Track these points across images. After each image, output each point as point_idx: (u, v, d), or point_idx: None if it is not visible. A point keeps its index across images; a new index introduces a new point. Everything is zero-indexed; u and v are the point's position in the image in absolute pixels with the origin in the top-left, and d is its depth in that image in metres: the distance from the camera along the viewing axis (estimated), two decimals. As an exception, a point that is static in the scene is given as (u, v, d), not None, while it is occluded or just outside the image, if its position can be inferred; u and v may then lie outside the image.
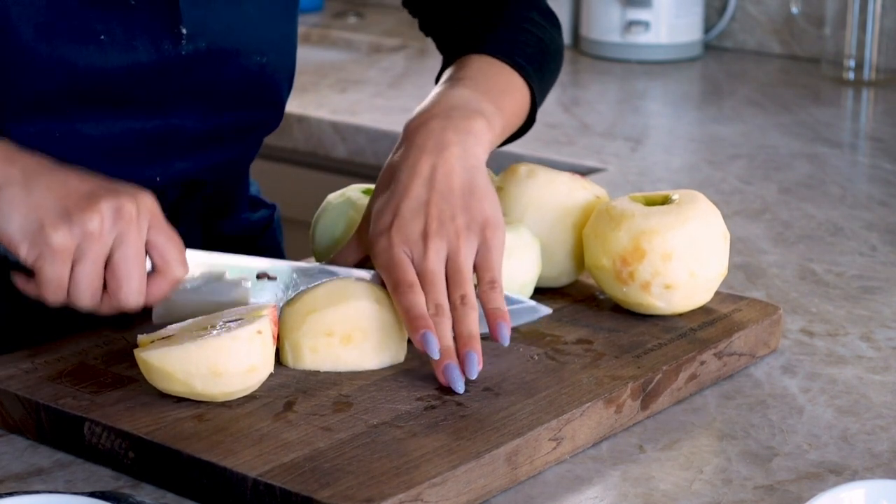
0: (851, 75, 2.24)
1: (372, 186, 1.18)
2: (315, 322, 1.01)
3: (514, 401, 0.97)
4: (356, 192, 1.17)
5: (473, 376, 0.99)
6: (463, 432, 0.92)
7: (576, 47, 2.55)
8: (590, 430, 0.97)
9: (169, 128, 1.15)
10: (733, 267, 1.34)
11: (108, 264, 0.96)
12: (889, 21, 2.23)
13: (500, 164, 1.71)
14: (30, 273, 0.96)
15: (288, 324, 1.02)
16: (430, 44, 1.80)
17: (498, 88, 1.16)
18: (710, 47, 2.52)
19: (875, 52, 2.23)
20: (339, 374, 1.01)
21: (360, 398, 0.97)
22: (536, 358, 1.04)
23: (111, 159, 1.12)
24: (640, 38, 2.41)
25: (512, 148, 1.85)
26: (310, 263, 1.09)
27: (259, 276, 1.06)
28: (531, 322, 1.09)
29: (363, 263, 1.09)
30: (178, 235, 1.00)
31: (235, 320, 0.97)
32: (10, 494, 0.83)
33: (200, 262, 1.04)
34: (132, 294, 0.97)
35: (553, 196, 1.16)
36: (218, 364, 0.94)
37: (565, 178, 1.17)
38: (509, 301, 1.08)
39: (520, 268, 1.10)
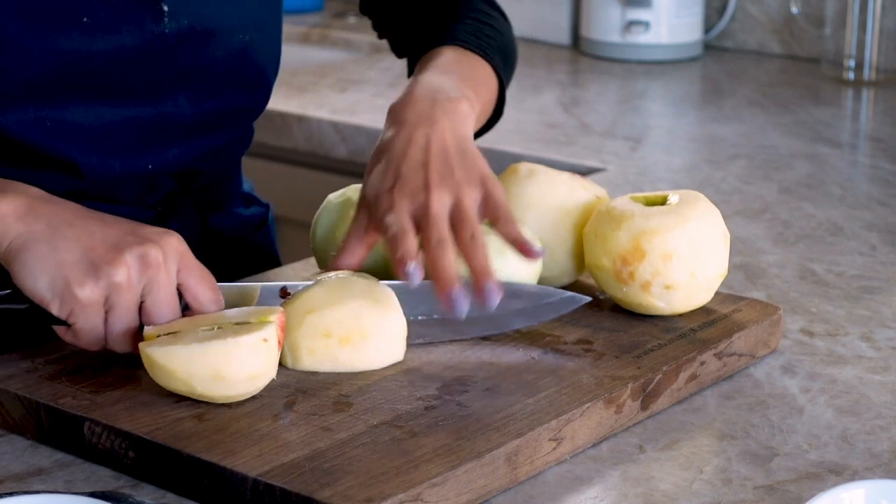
0: (851, 75, 2.24)
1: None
2: (313, 322, 1.01)
3: (514, 401, 0.97)
4: (356, 192, 1.17)
5: (493, 306, 1.00)
6: (463, 432, 0.92)
7: (576, 47, 2.55)
8: (590, 431, 0.97)
9: (159, 115, 1.15)
10: (733, 267, 1.34)
11: (142, 309, 0.97)
12: (889, 21, 2.23)
13: (500, 164, 1.71)
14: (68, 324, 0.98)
15: (287, 324, 1.02)
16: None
17: (473, 77, 1.19)
18: (710, 47, 2.52)
19: (875, 52, 2.23)
20: (339, 374, 1.01)
21: (360, 398, 0.97)
22: (536, 358, 1.04)
23: (104, 148, 1.12)
24: (640, 38, 2.41)
25: (512, 148, 1.85)
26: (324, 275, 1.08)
27: (281, 294, 1.06)
28: (565, 313, 1.10)
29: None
30: (208, 272, 1.00)
31: (243, 323, 0.96)
32: (10, 494, 0.83)
33: (233, 292, 1.05)
34: None
35: (553, 196, 1.16)
36: (221, 368, 0.94)
37: (565, 178, 1.17)
38: (546, 294, 1.08)
39: (520, 268, 1.10)
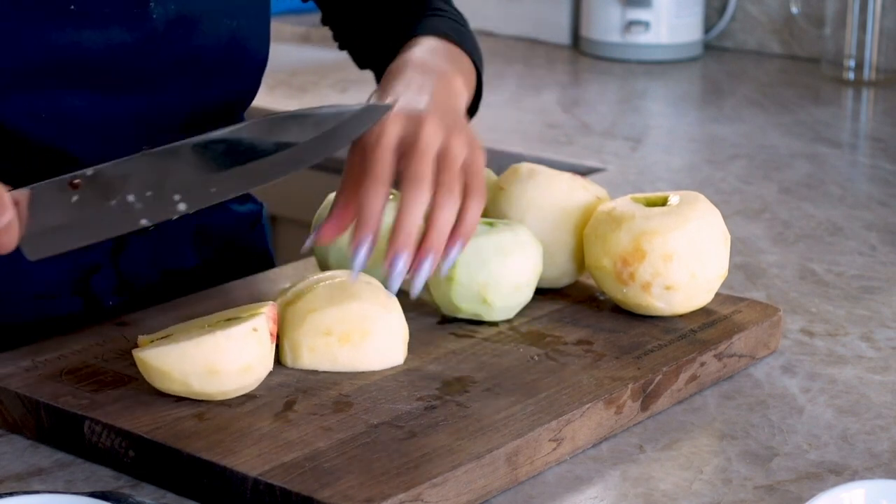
0: (851, 75, 2.24)
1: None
2: (314, 321, 1.01)
3: (515, 401, 0.97)
4: (356, 192, 1.17)
5: (415, 291, 0.97)
6: (463, 432, 0.92)
7: (576, 47, 2.55)
8: (590, 431, 0.97)
9: (153, 106, 1.15)
10: (733, 267, 1.34)
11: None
12: (889, 21, 2.23)
13: (500, 164, 1.71)
14: None
15: (287, 322, 1.02)
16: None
17: (458, 64, 1.16)
18: (710, 47, 2.52)
19: (875, 52, 2.23)
20: (339, 374, 1.01)
21: (360, 398, 0.97)
22: (537, 358, 1.04)
23: (100, 140, 1.13)
24: (640, 38, 2.41)
25: (512, 148, 1.85)
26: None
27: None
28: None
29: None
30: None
31: (234, 318, 0.97)
32: (10, 494, 0.83)
33: None
34: None
35: (553, 196, 1.16)
36: (214, 362, 0.94)
37: (565, 178, 1.17)
38: (340, 113, 1.01)
39: (520, 268, 1.10)
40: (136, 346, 0.99)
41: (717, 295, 1.15)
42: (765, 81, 2.28)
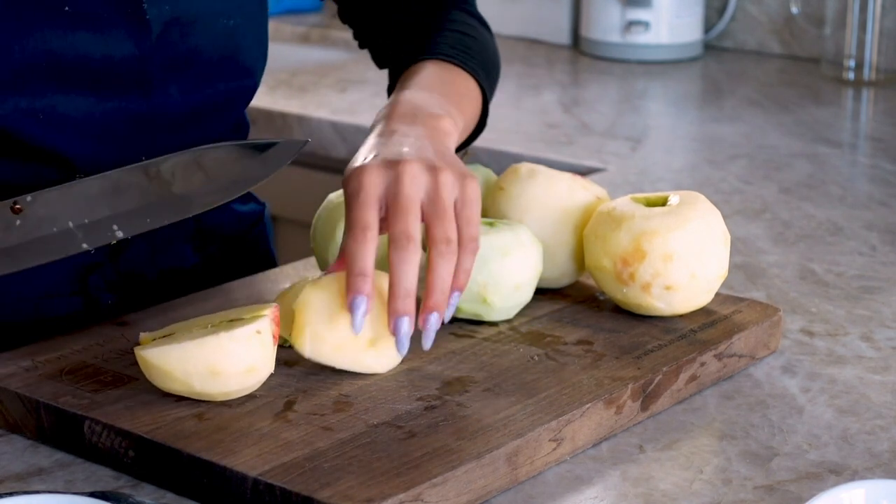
0: (851, 75, 2.24)
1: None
2: (345, 321, 0.99)
3: (515, 401, 0.97)
4: (356, 192, 1.17)
5: (427, 346, 0.97)
6: (463, 432, 0.92)
7: (576, 47, 2.55)
8: (590, 431, 0.97)
9: (151, 107, 1.15)
10: (733, 267, 1.34)
11: None
12: (889, 21, 2.23)
13: (500, 164, 1.71)
14: None
15: (312, 311, 0.99)
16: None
17: (456, 92, 1.17)
18: (710, 47, 2.52)
19: (875, 52, 2.23)
20: (339, 373, 1.01)
21: (360, 398, 0.97)
22: (537, 358, 1.04)
23: (96, 141, 1.13)
24: (640, 38, 2.41)
25: (512, 148, 1.85)
26: None
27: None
28: None
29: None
30: None
31: (237, 320, 0.97)
32: (10, 494, 0.83)
33: None
34: None
35: (553, 197, 1.16)
36: (216, 364, 0.94)
37: (566, 178, 1.17)
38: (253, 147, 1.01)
39: (520, 268, 1.10)
40: (136, 345, 0.99)
41: (717, 295, 1.15)
42: (765, 81, 2.28)
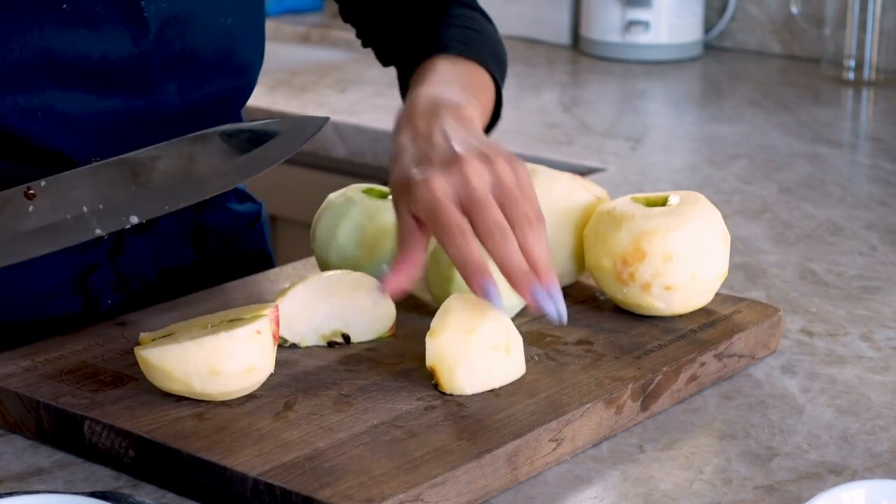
0: (851, 75, 2.24)
1: (373, 186, 1.18)
2: (481, 337, 0.98)
3: (515, 401, 0.97)
4: (357, 192, 1.17)
5: (564, 318, 0.97)
6: (463, 432, 0.92)
7: (576, 47, 2.55)
8: (590, 431, 0.97)
9: (149, 105, 1.15)
10: (733, 267, 1.34)
11: None
12: (889, 21, 2.23)
13: (501, 163, 1.70)
14: None
15: (459, 344, 0.98)
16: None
17: (472, 84, 1.17)
18: (710, 47, 2.52)
19: (875, 52, 2.23)
20: (339, 373, 1.01)
21: (360, 398, 0.97)
22: (537, 358, 1.04)
23: (94, 139, 1.13)
24: (640, 38, 2.41)
25: (512, 148, 1.85)
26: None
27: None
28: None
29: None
30: None
31: (237, 320, 0.97)
32: (10, 494, 0.83)
33: None
34: None
35: (553, 197, 1.16)
36: (216, 364, 0.94)
37: (566, 178, 1.17)
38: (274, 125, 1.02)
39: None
40: (136, 345, 0.99)
41: (717, 295, 1.15)
42: (765, 81, 2.28)
